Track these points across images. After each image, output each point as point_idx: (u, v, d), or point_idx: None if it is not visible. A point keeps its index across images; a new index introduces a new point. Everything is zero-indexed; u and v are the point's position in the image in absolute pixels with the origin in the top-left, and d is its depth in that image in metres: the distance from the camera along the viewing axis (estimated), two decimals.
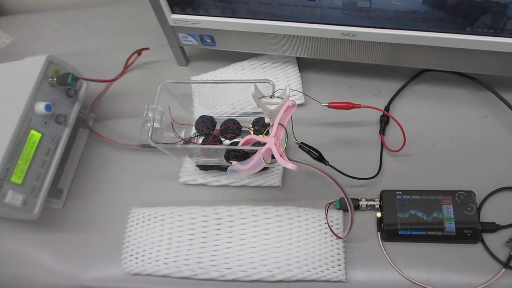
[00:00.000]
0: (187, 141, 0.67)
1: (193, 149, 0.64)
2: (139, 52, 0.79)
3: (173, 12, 0.68)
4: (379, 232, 0.60)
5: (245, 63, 0.75)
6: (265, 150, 0.52)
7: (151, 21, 0.86)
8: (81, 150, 0.76)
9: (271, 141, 0.52)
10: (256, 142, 0.56)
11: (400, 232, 0.59)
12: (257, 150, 0.55)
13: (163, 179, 0.70)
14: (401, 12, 0.57)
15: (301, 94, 0.70)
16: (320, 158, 0.59)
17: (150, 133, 0.58)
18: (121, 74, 0.68)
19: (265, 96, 0.55)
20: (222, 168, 0.67)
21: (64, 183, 0.72)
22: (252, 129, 0.66)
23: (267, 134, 0.56)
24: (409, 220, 0.59)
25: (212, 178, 0.67)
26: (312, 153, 0.58)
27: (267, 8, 0.63)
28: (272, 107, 0.55)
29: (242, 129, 0.66)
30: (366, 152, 0.66)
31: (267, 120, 0.57)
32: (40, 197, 0.65)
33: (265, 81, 0.59)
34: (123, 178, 0.71)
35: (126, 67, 0.69)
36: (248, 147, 0.57)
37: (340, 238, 0.59)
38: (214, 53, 0.80)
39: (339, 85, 0.67)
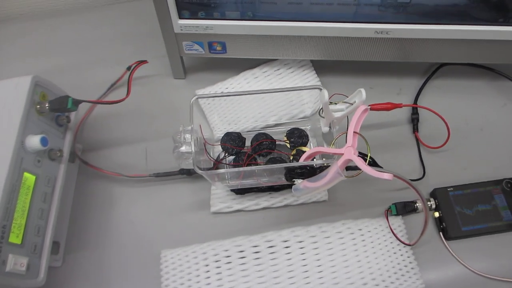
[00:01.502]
0: (218, 162, 0.58)
1: (234, 172, 0.56)
2: (129, 67, 0.68)
3: (180, 17, 0.59)
4: (441, 232, 0.57)
5: (257, 71, 0.68)
6: (342, 162, 0.47)
7: (138, 29, 0.77)
8: (72, 190, 0.62)
9: (350, 151, 0.46)
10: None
11: (463, 229, 0.57)
12: (323, 164, 0.49)
13: (189, 211, 0.60)
14: (440, 6, 0.56)
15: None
16: (373, 163, 0.55)
17: (192, 159, 0.49)
18: (128, 92, 0.57)
19: (334, 103, 0.49)
20: (261, 189, 0.59)
21: (59, 234, 0.58)
22: (288, 142, 0.59)
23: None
24: (467, 215, 0.58)
25: (250, 202, 0.59)
26: (365, 159, 0.53)
27: (297, 8, 0.57)
28: (338, 114, 0.49)
29: (277, 143, 0.60)
30: (402, 152, 0.64)
31: (325, 129, 0.51)
32: (44, 257, 0.51)
33: (314, 87, 0.53)
34: (138, 216, 0.60)
35: (131, 82, 0.58)
36: (305, 162, 0.50)
37: (409, 245, 0.56)
38: (213, 63, 0.72)
39: (359, 86, 0.63)
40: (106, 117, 0.68)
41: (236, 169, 0.52)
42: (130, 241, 0.58)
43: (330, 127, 0.51)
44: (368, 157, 0.47)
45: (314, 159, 0.51)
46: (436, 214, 0.58)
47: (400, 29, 0.58)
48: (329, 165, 0.49)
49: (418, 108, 0.66)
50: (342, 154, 0.47)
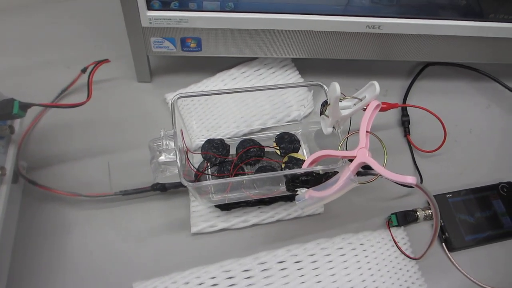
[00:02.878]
0: (200, 173, 0.50)
1: (220, 185, 0.48)
2: (85, 68, 0.58)
3: (149, 8, 0.51)
4: (443, 243, 0.53)
5: (234, 72, 0.61)
6: (355, 166, 0.41)
7: (93, 27, 0.67)
8: (15, 217, 0.50)
9: (363, 153, 0.40)
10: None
11: (466, 239, 0.53)
12: (329, 170, 0.43)
13: (166, 233, 0.51)
14: None
15: (309, 102, 0.59)
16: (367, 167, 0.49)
17: (178, 169, 0.40)
18: (89, 95, 0.47)
19: (346, 98, 0.43)
20: (249, 204, 0.52)
21: None
22: (278, 148, 0.53)
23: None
24: (469, 223, 0.54)
25: (237, 219, 0.51)
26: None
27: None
28: (345, 112, 0.43)
29: (265, 149, 0.52)
30: (394, 157, 0.59)
31: (328, 130, 0.45)
32: None
33: (313, 84, 0.47)
34: (101, 244, 0.50)
35: (91, 83, 0.48)
36: (310, 169, 0.44)
37: (415, 259, 0.51)
38: (183, 64, 0.64)
39: (344, 87, 0.58)
40: (56, 127, 0.57)
41: (238, 178, 0.43)
42: (91, 276, 0.48)
43: (334, 127, 0.45)
44: (385, 159, 0.41)
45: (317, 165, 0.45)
46: None
47: (393, 23, 0.54)
48: (335, 171, 0.43)
49: (408, 110, 0.62)
50: (355, 156, 0.41)
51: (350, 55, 0.60)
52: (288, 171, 0.43)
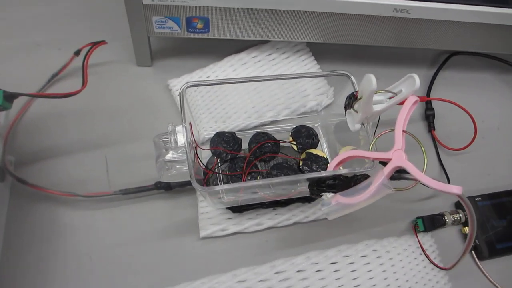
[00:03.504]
0: (209, 171, 0.44)
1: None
2: (78, 51, 0.52)
3: None
4: (472, 251, 0.49)
5: (244, 56, 0.55)
6: (390, 170, 0.36)
7: (86, 3, 0.61)
8: (3, 219, 0.45)
9: (400, 156, 0.36)
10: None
11: (497, 247, 0.49)
12: (358, 173, 0.38)
13: (171, 237, 0.46)
14: None
15: (329, 92, 0.54)
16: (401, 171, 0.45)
17: (190, 172, 0.35)
18: (84, 82, 0.41)
19: (379, 92, 0.38)
20: (263, 205, 0.47)
21: None
22: (294, 142, 0.47)
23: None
24: (500, 229, 0.50)
25: (250, 222, 0.46)
26: None
27: None
28: (378, 108, 0.38)
29: (281, 144, 0.47)
30: (417, 154, 0.55)
31: (356, 126, 0.40)
32: None
33: (338, 74, 0.42)
34: (99, 248, 0.44)
35: (86, 69, 0.42)
36: (337, 172, 0.38)
37: (445, 269, 0.46)
38: (187, 47, 0.58)
39: (363, 75, 0.53)
40: (47, 117, 0.51)
41: (257, 182, 0.38)
42: (89, 284, 0.43)
43: (362, 124, 0.40)
44: (425, 164, 0.36)
45: (341, 168, 0.40)
46: (466, 230, 0.49)
47: (423, 7, 0.49)
48: (365, 174, 0.38)
49: (432, 103, 0.57)
50: (389, 159, 0.36)
51: (371, 40, 0.54)
52: (313, 174, 0.38)
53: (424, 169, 0.35)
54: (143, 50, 0.53)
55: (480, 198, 0.51)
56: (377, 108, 0.38)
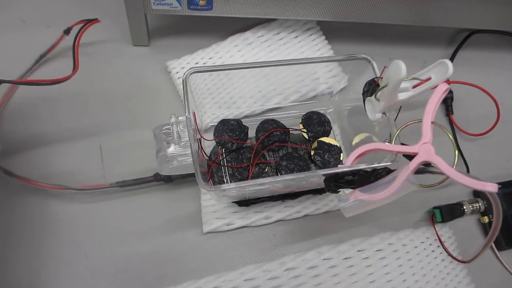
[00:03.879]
0: (213, 164, 0.41)
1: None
2: (68, 29, 0.48)
3: None
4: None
5: (249, 36, 0.51)
6: (416, 165, 0.32)
7: None
8: None
9: (428, 150, 0.32)
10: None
11: None
12: (379, 167, 0.35)
13: (173, 232, 0.43)
14: None
15: (342, 76, 0.50)
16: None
17: (195, 165, 0.32)
18: (75, 66, 0.37)
19: (410, 79, 0.34)
20: (272, 198, 0.44)
21: None
22: (305, 130, 0.44)
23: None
24: None
25: (257, 216, 0.43)
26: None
27: None
28: (403, 96, 0.34)
29: (290, 132, 0.44)
30: (434, 140, 0.52)
31: (378, 116, 0.37)
32: None
33: (356, 58, 0.38)
34: (95, 245, 0.41)
35: (78, 52, 0.38)
36: (357, 166, 0.35)
37: (464, 262, 0.44)
38: (186, 25, 0.53)
39: (376, 56, 0.49)
40: (35, 102, 0.47)
41: (275, 178, 0.34)
42: (85, 283, 0.40)
43: (384, 113, 0.36)
44: (456, 158, 0.33)
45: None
46: (485, 219, 0.47)
47: None
48: (387, 169, 0.35)
49: (451, 86, 0.53)
50: (416, 153, 0.33)
51: (386, 18, 0.50)
52: (330, 170, 0.35)
53: (455, 164, 0.32)
54: (139, 28, 0.49)
55: (500, 186, 0.48)
56: (402, 96, 0.34)
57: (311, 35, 0.52)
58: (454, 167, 0.32)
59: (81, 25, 0.43)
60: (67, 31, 0.48)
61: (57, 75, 0.41)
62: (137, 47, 0.51)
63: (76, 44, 0.39)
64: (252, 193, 0.41)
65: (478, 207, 0.46)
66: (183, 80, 0.34)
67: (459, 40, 0.57)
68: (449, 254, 0.44)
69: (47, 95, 0.47)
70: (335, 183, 0.34)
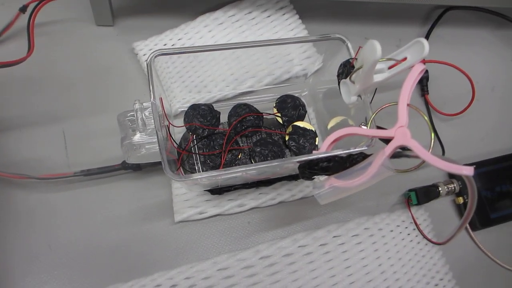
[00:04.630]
0: (183, 152, 0.39)
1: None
2: (24, 7, 0.44)
3: None
4: None
5: (220, 15, 0.48)
6: (392, 150, 0.31)
7: None
8: None
9: (404, 134, 0.31)
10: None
11: (491, 216, 0.47)
12: (355, 152, 0.34)
13: (142, 222, 0.41)
14: None
15: (316, 57, 0.48)
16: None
17: (162, 154, 0.30)
18: (31, 47, 0.34)
19: (386, 59, 0.33)
20: (246, 185, 0.42)
21: None
22: (279, 115, 0.42)
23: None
24: (493, 198, 0.47)
25: (231, 203, 0.42)
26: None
27: None
28: (379, 78, 0.33)
29: (264, 116, 0.42)
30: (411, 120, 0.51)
31: (353, 99, 0.35)
32: None
33: (331, 38, 0.36)
34: (61, 236, 0.39)
35: (33, 31, 0.35)
36: (332, 152, 0.34)
37: (439, 244, 0.44)
38: (152, 4, 0.50)
39: (351, 36, 0.48)
40: None
41: (247, 167, 0.33)
42: (50, 277, 0.38)
43: (359, 96, 0.35)
44: (432, 142, 0.32)
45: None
46: (460, 200, 0.47)
47: None
48: (362, 153, 0.34)
49: (427, 65, 0.52)
50: (392, 137, 0.32)
51: None
52: (304, 157, 0.34)
53: (431, 147, 0.31)
54: (102, 6, 0.46)
55: (474, 166, 0.48)
56: (377, 78, 0.33)
57: (284, 14, 0.50)
58: (430, 150, 0.31)
59: (37, 2, 0.40)
60: (23, 9, 0.45)
61: (13, 57, 0.38)
62: (101, 27, 0.48)
63: (31, 22, 0.36)
64: (225, 181, 0.39)
65: (453, 188, 0.46)
66: (147, 64, 0.32)
67: (434, 17, 0.56)
68: (424, 237, 0.44)
69: (2, 79, 0.44)
70: (309, 170, 0.33)
